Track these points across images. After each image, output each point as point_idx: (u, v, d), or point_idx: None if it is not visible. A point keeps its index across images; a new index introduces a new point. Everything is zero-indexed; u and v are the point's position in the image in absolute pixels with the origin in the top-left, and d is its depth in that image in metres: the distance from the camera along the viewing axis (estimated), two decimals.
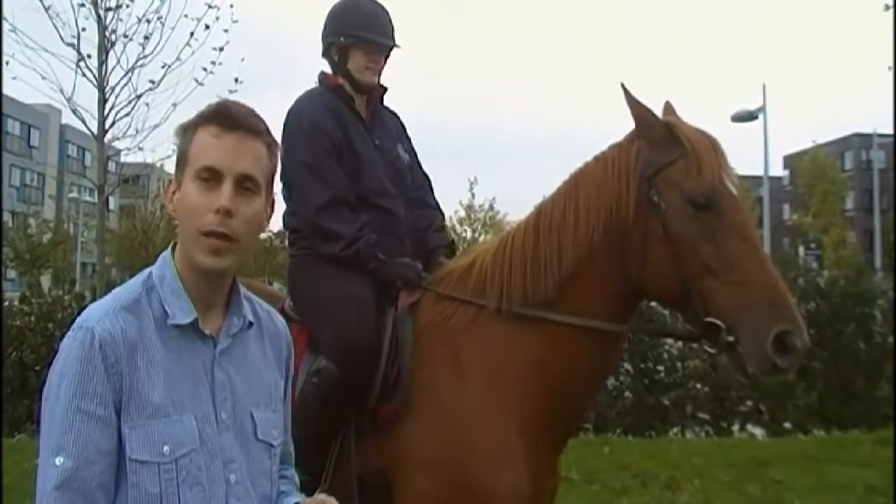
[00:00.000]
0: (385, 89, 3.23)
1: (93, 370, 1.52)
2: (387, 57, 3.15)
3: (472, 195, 36.16)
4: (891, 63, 9.84)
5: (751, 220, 2.46)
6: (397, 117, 3.34)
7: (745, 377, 2.41)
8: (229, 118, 1.61)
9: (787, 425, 8.51)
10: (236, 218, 1.58)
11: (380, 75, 3.15)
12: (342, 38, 3.07)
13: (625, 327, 2.68)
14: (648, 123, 2.54)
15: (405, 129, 3.35)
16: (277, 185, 1.79)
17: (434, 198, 3.35)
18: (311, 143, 2.92)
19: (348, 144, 2.99)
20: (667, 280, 2.47)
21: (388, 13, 3.15)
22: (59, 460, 1.48)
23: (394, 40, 3.14)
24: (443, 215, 3.34)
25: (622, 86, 2.55)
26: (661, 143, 2.51)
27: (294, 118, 2.98)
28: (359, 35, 3.05)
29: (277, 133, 1.83)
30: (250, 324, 1.74)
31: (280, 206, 2.49)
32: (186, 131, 1.64)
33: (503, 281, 2.66)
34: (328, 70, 3.19)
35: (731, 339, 2.35)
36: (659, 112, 2.62)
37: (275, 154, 1.69)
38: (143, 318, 1.60)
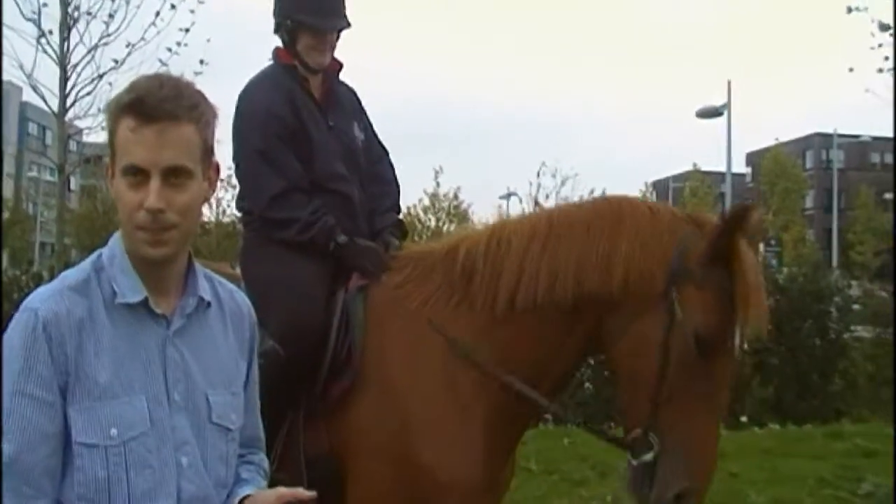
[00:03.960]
0: (341, 65, 3.14)
1: (37, 352, 1.49)
2: (339, 33, 3.07)
3: (437, 184, 36.14)
4: (851, 65, 9.99)
5: (730, 377, 2.44)
6: (353, 93, 3.26)
7: (637, 498, 2.44)
8: (146, 109, 1.51)
9: (744, 419, 8.63)
10: (169, 210, 1.53)
11: (332, 52, 3.06)
12: (288, 22, 2.99)
13: (561, 413, 2.76)
14: (715, 247, 2.35)
15: (361, 105, 3.27)
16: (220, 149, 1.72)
17: (391, 171, 3.29)
18: (263, 129, 2.86)
19: (301, 128, 2.93)
20: (637, 374, 2.42)
21: None
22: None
23: (344, 19, 3.04)
24: (398, 188, 3.27)
25: (746, 208, 2.38)
26: (708, 261, 2.35)
27: (247, 102, 2.92)
28: (302, 20, 2.97)
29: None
30: (208, 304, 1.70)
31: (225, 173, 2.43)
32: (110, 116, 1.57)
33: (494, 275, 2.56)
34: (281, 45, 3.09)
35: (651, 462, 2.38)
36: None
37: (208, 124, 1.60)
38: (91, 299, 1.56)
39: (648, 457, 2.39)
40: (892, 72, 8.38)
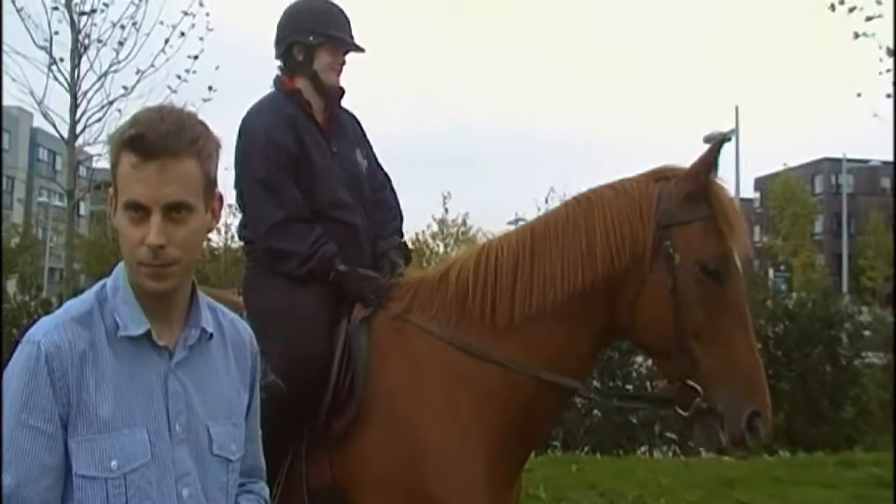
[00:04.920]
0: (343, 91, 3.15)
1: (38, 385, 1.48)
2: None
3: (446, 210, 36.18)
4: (859, 90, 10.01)
5: (745, 296, 2.52)
6: (355, 119, 3.26)
7: (714, 448, 2.49)
8: (146, 145, 1.51)
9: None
10: (170, 245, 1.53)
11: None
12: (311, 37, 2.98)
13: (597, 392, 2.74)
14: (699, 177, 2.51)
15: (363, 132, 3.27)
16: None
17: (394, 197, 3.29)
18: (265, 157, 2.85)
19: (304, 155, 2.92)
20: (659, 331, 2.48)
21: (347, 16, 3.10)
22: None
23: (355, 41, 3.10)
24: (401, 215, 3.28)
25: (722, 139, 2.55)
26: (691, 199, 2.50)
27: (248, 130, 2.91)
28: (330, 34, 2.99)
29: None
30: (210, 335, 1.70)
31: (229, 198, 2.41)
32: (112, 150, 1.57)
33: (487, 293, 2.60)
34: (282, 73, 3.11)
35: (704, 405, 2.42)
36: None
37: (210, 156, 1.60)
38: (94, 330, 1.56)
39: (698, 402, 2.43)
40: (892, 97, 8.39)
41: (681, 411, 2.48)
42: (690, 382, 2.43)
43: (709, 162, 2.51)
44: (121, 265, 1.65)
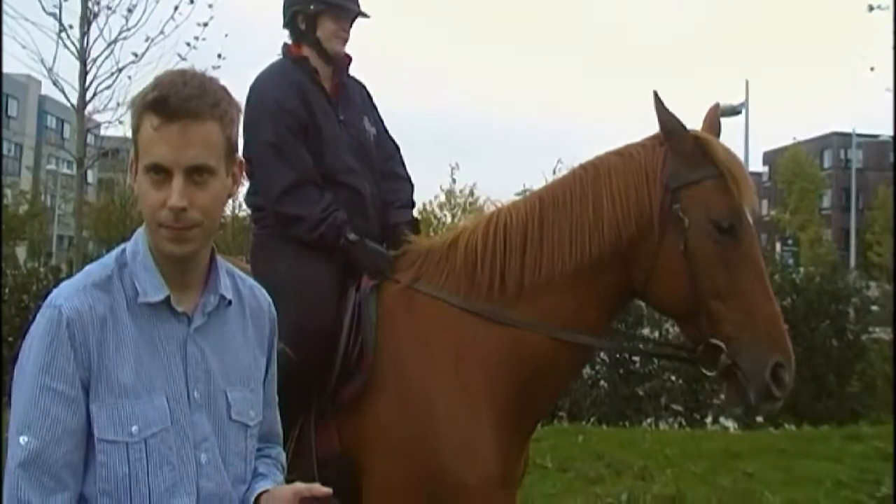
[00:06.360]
0: (351, 59, 3.14)
1: (60, 348, 1.50)
2: (351, 25, 3.09)
3: (453, 180, 36.08)
4: (872, 64, 9.91)
5: (759, 248, 2.53)
6: (364, 87, 3.25)
7: (744, 406, 2.52)
8: (169, 107, 1.50)
9: (759, 419, 8.59)
10: (192, 208, 1.53)
11: (347, 42, 3.08)
12: (311, 6, 2.98)
13: (618, 346, 2.73)
14: (678, 135, 2.53)
15: (372, 100, 3.26)
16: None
17: (404, 167, 3.28)
18: (274, 122, 2.84)
19: (312, 121, 2.91)
20: (677, 294, 2.49)
21: None
22: (23, 439, 1.47)
23: (360, 8, 3.08)
24: (412, 185, 3.27)
25: (654, 94, 2.53)
26: (690, 158, 2.51)
27: (257, 96, 2.90)
28: (331, 1, 2.98)
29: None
30: (229, 302, 1.71)
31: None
32: (134, 113, 1.56)
33: (496, 262, 2.61)
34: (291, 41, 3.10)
35: (728, 362, 2.43)
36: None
37: (232, 121, 1.60)
38: (114, 296, 1.57)
39: (723, 359, 2.44)
40: None
41: (706, 371, 2.50)
42: (714, 341, 2.43)
43: (661, 119, 2.52)
44: (140, 230, 1.65)
